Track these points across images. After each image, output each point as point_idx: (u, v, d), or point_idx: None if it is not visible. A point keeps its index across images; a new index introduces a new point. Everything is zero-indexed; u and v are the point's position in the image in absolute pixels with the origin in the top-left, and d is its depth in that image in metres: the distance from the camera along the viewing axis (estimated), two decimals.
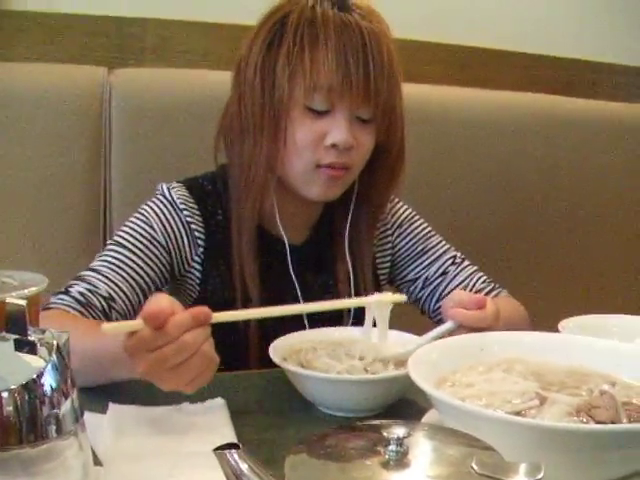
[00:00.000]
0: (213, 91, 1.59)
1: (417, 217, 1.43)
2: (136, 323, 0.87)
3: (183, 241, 1.25)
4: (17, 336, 0.59)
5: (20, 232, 1.52)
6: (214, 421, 0.92)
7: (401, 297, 1.09)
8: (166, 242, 1.24)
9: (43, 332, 0.61)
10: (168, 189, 1.27)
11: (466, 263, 1.38)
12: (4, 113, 1.51)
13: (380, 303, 1.07)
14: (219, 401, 0.97)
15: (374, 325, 1.08)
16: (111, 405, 0.95)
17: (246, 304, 1.22)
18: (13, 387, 0.56)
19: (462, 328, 1.06)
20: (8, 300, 0.59)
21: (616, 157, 2.08)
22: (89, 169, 1.57)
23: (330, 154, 1.19)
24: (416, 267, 1.39)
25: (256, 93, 1.19)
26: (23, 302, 0.59)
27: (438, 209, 1.77)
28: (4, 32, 1.63)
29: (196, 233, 1.26)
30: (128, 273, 1.19)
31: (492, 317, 1.08)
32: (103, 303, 1.14)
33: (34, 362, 0.59)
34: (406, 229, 1.41)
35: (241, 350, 1.21)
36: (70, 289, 1.14)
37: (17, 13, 1.64)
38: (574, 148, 2.02)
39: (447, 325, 1.07)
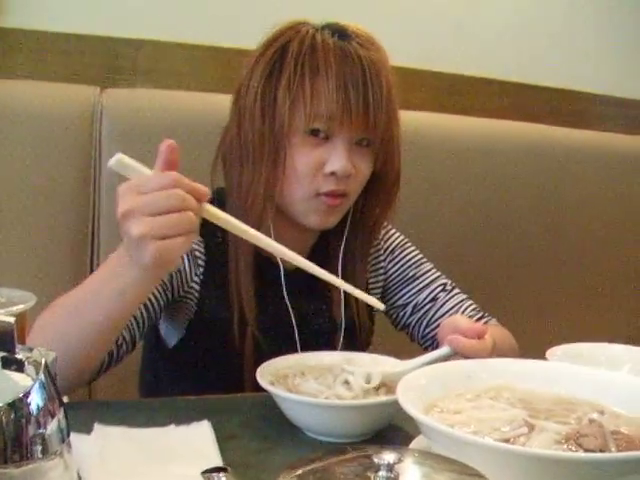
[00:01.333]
0: (204, 113, 1.61)
1: (409, 244, 1.43)
2: (146, 169, 0.91)
3: (184, 260, 1.25)
4: (4, 354, 0.58)
5: (9, 250, 1.51)
6: (200, 444, 0.91)
7: (380, 305, 1.10)
8: None
9: (31, 350, 0.60)
10: None
11: (456, 291, 1.38)
12: None
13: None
14: (205, 424, 0.96)
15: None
16: (96, 426, 0.94)
17: (242, 326, 1.22)
18: None
19: (457, 356, 1.06)
20: None
21: (602, 186, 2.10)
22: (79, 188, 1.56)
23: (329, 182, 1.20)
24: (406, 293, 1.39)
25: (256, 121, 1.20)
26: (11, 319, 0.58)
27: (427, 236, 1.77)
28: None
29: (197, 253, 1.26)
30: None
31: (491, 349, 1.08)
32: None
33: (21, 380, 0.58)
34: (398, 255, 1.41)
35: (236, 374, 1.21)
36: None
37: (9, 31, 1.65)
38: (561, 176, 2.04)
39: (443, 350, 1.06)
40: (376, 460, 0.52)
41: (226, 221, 0.98)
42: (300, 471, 0.55)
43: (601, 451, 0.72)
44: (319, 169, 1.19)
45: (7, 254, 1.51)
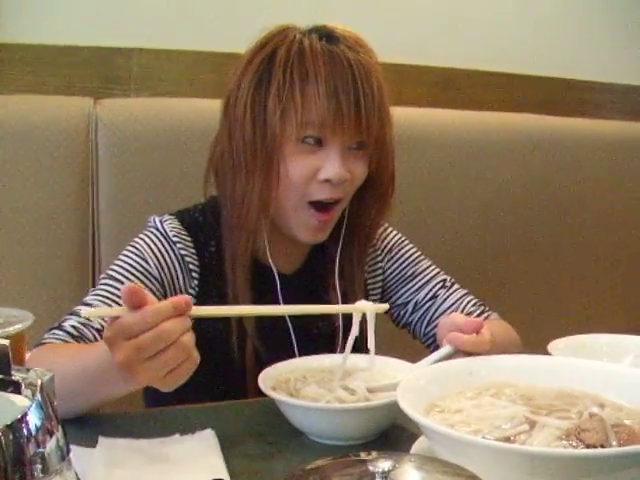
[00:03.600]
0: (199, 119, 1.61)
1: (406, 242, 1.43)
2: (116, 309, 0.89)
3: (177, 274, 1.25)
4: (1, 376, 0.59)
5: (7, 266, 1.51)
6: (204, 452, 0.92)
7: (384, 306, 1.11)
8: (160, 275, 1.23)
9: (27, 371, 0.61)
10: (160, 222, 1.26)
11: (456, 287, 1.38)
12: None
13: (364, 310, 1.07)
14: (208, 432, 0.97)
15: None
16: (101, 439, 0.94)
17: (241, 336, 1.22)
18: None
19: (459, 353, 1.05)
20: None
21: (603, 175, 2.09)
22: (76, 200, 1.56)
23: (323, 189, 1.19)
24: (406, 291, 1.39)
25: (247, 130, 1.19)
26: (6, 342, 0.58)
27: (426, 232, 1.77)
28: None
29: (190, 266, 1.25)
30: (121, 306, 1.18)
31: (490, 342, 1.08)
32: (96, 335, 1.13)
33: (18, 402, 0.58)
34: (396, 254, 1.41)
35: (239, 383, 1.21)
36: (63, 324, 1.14)
37: (2, 45, 1.65)
38: (561, 167, 2.03)
39: (444, 350, 1.06)
40: (371, 468, 0.53)
41: (217, 310, 1.01)
42: None
43: (602, 446, 0.72)
44: (313, 176, 1.19)
45: (4, 271, 1.51)
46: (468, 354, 1.04)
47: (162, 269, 1.23)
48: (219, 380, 1.19)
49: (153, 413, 1.19)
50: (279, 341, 1.25)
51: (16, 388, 0.59)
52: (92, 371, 0.97)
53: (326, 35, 1.20)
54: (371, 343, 1.07)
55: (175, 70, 1.79)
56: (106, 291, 1.18)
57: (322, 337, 1.29)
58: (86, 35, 1.71)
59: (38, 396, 0.58)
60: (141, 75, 1.75)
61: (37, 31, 1.68)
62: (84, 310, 0.89)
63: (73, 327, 1.13)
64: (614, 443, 0.73)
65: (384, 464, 0.53)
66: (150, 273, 1.22)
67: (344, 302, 1.30)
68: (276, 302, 1.26)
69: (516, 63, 2.17)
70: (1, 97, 1.62)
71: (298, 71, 1.16)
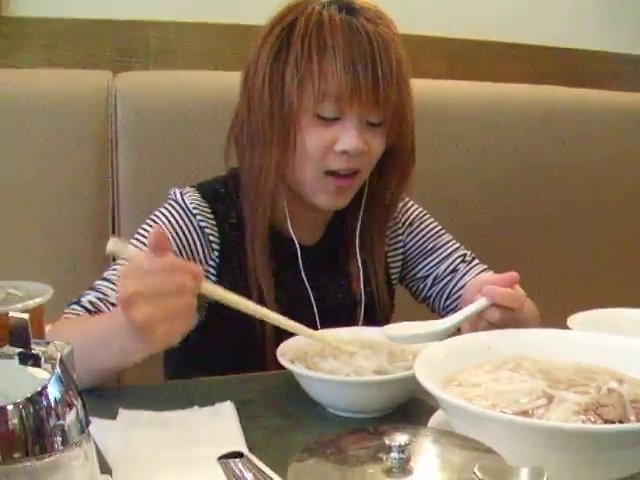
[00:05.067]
0: (218, 92, 1.60)
1: (427, 216, 1.43)
2: (142, 252, 0.94)
3: (197, 246, 1.25)
4: (20, 349, 0.59)
5: (27, 239, 1.52)
6: (223, 425, 0.93)
7: None
8: (179, 248, 1.24)
9: (47, 344, 0.61)
10: (181, 194, 1.27)
11: (476, 261, 1.38)
12: (9, 120, 1.51)
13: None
14: (228, 404, 0.98)
15: None
16: (121, 410, 0.95)
17: (261, 306, 1.22)
18: (18, 400, 0.56)
19: (493, 309, 1.05)
20: (11, 314, 0.59)
21: (623, 148, 2.06)
22: (96, 174, 1.57)
23: (340, 160, 1.19)
24: (426, 265, 1.39)
25: (265, 102, 1.19)
26: (25, 316, 0.59)
27: (444, 206, 1.76)
28: (8, 39, 1.64)
29: (210, 237, 1.26)
30: None
31: (523, 298, 1.08)
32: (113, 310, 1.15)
33: (38, 375, 0.59)
34: (416, 227, 1.41)
35: (259, 354, 1.21)
36: (82, 298, 1.15)
37: (20, 20, 1.65)
38: (581, 139, 2.01)
39: (479, 303, 1.04)
40: (388, 441, 0.53)
41: (223, 296, 1.00)
42: (313, 454, 0.55)
43: (620, 421, 0.72)
44: (330, 148, 1.18)
45: (25, 245, 1.52)
46: (501, 312, 1.04)
47: (181, 241, 1.24)
48: (239, 352, 1.20)
49: (173, 385, 1.20)
50: (300, 312, 1.25)
51: (36, 361, 0.59)
52: (104, 335, 1.00)
53: (346, 7, 1.19)
54: None
55: (194, 43, 1.78)
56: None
57: (343, 310, 1.30)
58: (104, 8, 1.71)
59: (58, 369, 0.59)
60: (159, 48, 1.75)
61: (54, 5, 1.68)
62: (111, 241, 0.93)
63: (90, 302, 1.14)
64: (632, 419, 0.73)
65: (401, 438, 0.53)
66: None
67: (365, 273, 1.30)
68: (297, 273, 1.27)
69: (535, 34, 2.14)
70: (19, 71, 1.63)
71: (316, 43, 1.16)
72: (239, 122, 1.26)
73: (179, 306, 0.90)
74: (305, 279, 1.28)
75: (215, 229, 1.27)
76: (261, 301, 1.22)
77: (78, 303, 1.14)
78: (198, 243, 1.25)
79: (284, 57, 1.18)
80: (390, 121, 1.21)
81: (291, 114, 1.17)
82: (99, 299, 1.15)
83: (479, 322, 1.06)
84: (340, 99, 1.16)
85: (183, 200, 1.26)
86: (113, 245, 0.93)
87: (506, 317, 1.05)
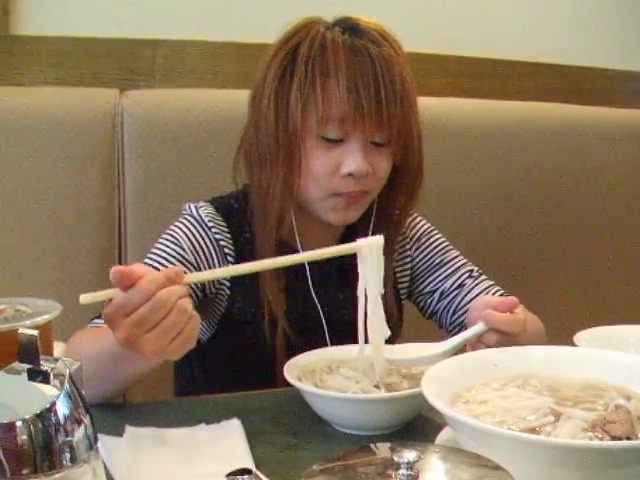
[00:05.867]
0: (224, 110, 1.61)
1: (435, 231, 1.43)
2: (112, 291, 0.90)
3: (213, 259, 1.26)
4: (30, 365, 0.59)
5: (35, 256, 1.53)
6: (230, 442, 0.93)
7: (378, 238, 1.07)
8: (196, 261, 1.24)
9: (56, 361, 0.61)
10: (196, 208, 1.28)
11: (483, 277, 1.38)
12: (17, 138, 1.52)
13: (371, 243, 1.04)
14: (235, 422, 0.98)
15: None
16: (128, 427, 0.95)
17: (272, 321, 1.23)
18: (27, 417, 0.56)
19: (491, 333, 1.05)
20: (20, 331, 0.59)
21: (628, 164, 2.07)
22: (103, 191, 1.58)
23: (346, 183, 1.20)
24: (433, 280, 1.39)
25: (270, 124, 1.20)
26: (35, 332, 0.59)
27: (450, 222, 1.76)
28: (15, 57, 1.65)
29: (225, 250, 1.27)
30: None
31: (524, 322, 1.07)
32: None
33: (47, 391, 0.59)
34: (424, 242, 1.41)
35: (269, 370, 1.21)
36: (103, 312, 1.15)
37: (27, 38, 1.66)
38: (588, 156, 2.01)
39: (477, 328, 1.05)
40: (396, 458, 0.53)
41: (212, 274, 1.04)
42: (322, 471, 0.55)
43: (628, 438, 0.72)
44: (335, 171, 1.20)
45: (32, 262, 1.53)
46: (498, 336, 1.04)
47: (198, 254, 1.25)
48: (250, 366, 1.20)
49: (180, 402, 1.20)
50: (310, 327, 1.26)
51: (45, 378, 0.59)
52: (110, 352, 0.99)
53: (350, 28, 1.20)
54: (372, 283, 1.05)
55: (200, 61, 1.79)
56: None
57: (353, 324, 1.30)
58: (110, 27, 1.72)
59: (67, 385, 0.59)
60: (165, 66, 1.76)
61: (62, 23, 1.69)
62: (81, 297, 0.90)
63: None
64: None
65: (409, 454, 0.53)
66: (186, 259, 1.24)
67: None
68: (307, 287, 1.28)
69: (539, 52, 2.14)
70: (27, 89, 1.64)
71: (319, 66, 1.17)
72: (247, 140, 1.27)
73: (176, 321, 0.89)
74: (314, 293, 1.28)
75: (230, 242, 1.28)
76: (272, 316, 1.23)
77: (100, 316, 1.14)
78: (215, 256, 1.26)
79: (288, 80, 1.19)
80: (395, 140, 1.21)
81: (295, 136, 1.18)
82: None
83: (478, 345, 1.06)
84: (344, 121, 1.17)
85: (198, 214, 1.27)
86: (83, 299, 0.91)
87: (504, 341, 1.05)
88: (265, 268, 1.13)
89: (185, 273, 0.94)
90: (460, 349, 1.05)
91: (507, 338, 1.05)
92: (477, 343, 1.07)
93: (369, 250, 1.03)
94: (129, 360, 0.98)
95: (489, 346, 1.05)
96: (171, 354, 0.92)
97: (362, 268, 1.03)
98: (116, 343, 0.97)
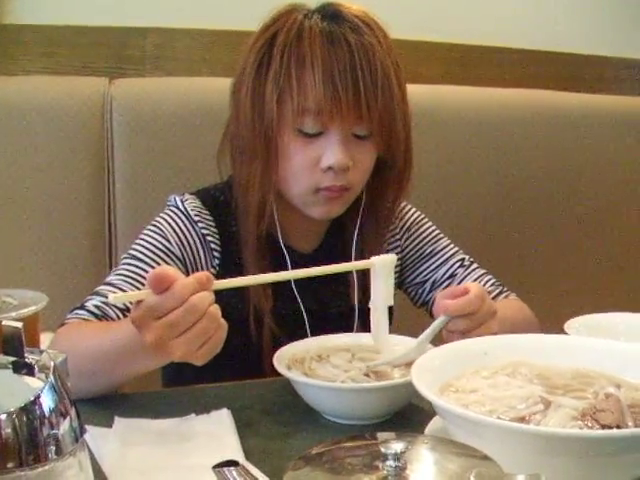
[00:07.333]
0: (214, 98, 1.60)
1: (425, 220, 1.41)
2: (143, 292, 0.89)
3: (199, 253, 1.25)
4: (14, 358, 0.59)
5: (22, 247, 1.52)
6: (220, 432, 0.92)
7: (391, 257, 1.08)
8: (182, 254, 1.23)
9: (40, 353, 0.61)
10: (181, 201, 1.26)
11: (474, 266, 1.37)
12: (5, 127, 1.51)
13: (384, 261, 1.05)
14: (224, 412, 0.97)
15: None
16: (117, 418, 0.95)
17: (258, 316, 1.22)
18: (12, 410, 0.56)
19: (455, 320, 1.04)
20: (4, 323, 0.59)
21: (623, 152, 2.07)
22: (92, 180, 1.57)
23: (327, 177, 1.17)
24: (424, 270, 1.38)
25: (247, 115, 1.18)
26: (19, 324, 0.59)
27: (441, 210, 1.76)
28: (4, 46, 1.64)
29: (212, 245, 1.25)
30: (144, 285, 1.19)
31: (477, 300, 1.05)
32: (119, 314, 1.14)
33: (32, 384, 0.58)
34: (414, 232, 1.39)
35: (256, 362, 1.21)
36: (86, 303, 1.14)
37: (16, 27, 1.65)
38: (580, 144, 2.01)
39: (438, 320, 1.05)
40: (384, 449, 0.52)
41: (238, 281, 1.00)
42: (309, 462, 0.55)
43: (618, 426, 0.72)
44: (315, 165, 1.17)
45: (20, 252, 1.52)
46: (463, 320, 1.04)
47: (184, 248, 1.24)
48: (237, 360, 1.20)
49: (169, 393, 1.19)
50: (294, 323, 1.25)
51: (29, 370, 0.59)
52: (121, 350, 0.98)
53: (330, 15, 1.17)
54: (381, 297, 1.05)
55: (189, 49, 1.78)
56: (129, 271, 1.19)
57: (338, 318, 1.29)
58: (100, 15, 1.71)
59: (51, 378, 0.59)
60: (155, 55, 1.75)
61: (51, 12, 1.68)
62: (111, 296, 0.89)
63: (96, 307, 1.13)
64: (630, 424, 0.73)
65: (397, 445, 0.53)
66: (172, 252, 1.22)
67: (362, 280, 1.28)
68: (290, 283, 1.26)
69: (533, 39, 2.14)
70: (16, 78, 1.63)
71: (295, 56, 1.14)
72: (230, 133, 1.25)
73: (208, 325, 0.89)
74: (295, 288, 1.26)
75: (217, 236, 1.26)
76: (258, 311, 1.22)
77: (83, 308, 1.13)
78: (201, 250, 1.25)
79: (265, 71, 1.16)
80: (378, 132, 1.18)
81: (272, 129, 1.16)
82: (105, 303, 1.13)
83: (452, 336, 1.05)
84: (321, 114, 1.14)
85: (184, 207, 1.25)
86: (114, 299, 0.91)
87: (474, 324, 1.04)
88: (288, 278, 1.12)
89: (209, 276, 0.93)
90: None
91: (475, 319, 1.04)
92: (450, 334, 1.05)
93: (382, 267, 1.04)
94: (136, 359, 0.97)
95: (463, 333, 1.04)
96: (198, 359, 0.92)
97: (374, 284, 1.05)
98: (122, 340, 0.97)
